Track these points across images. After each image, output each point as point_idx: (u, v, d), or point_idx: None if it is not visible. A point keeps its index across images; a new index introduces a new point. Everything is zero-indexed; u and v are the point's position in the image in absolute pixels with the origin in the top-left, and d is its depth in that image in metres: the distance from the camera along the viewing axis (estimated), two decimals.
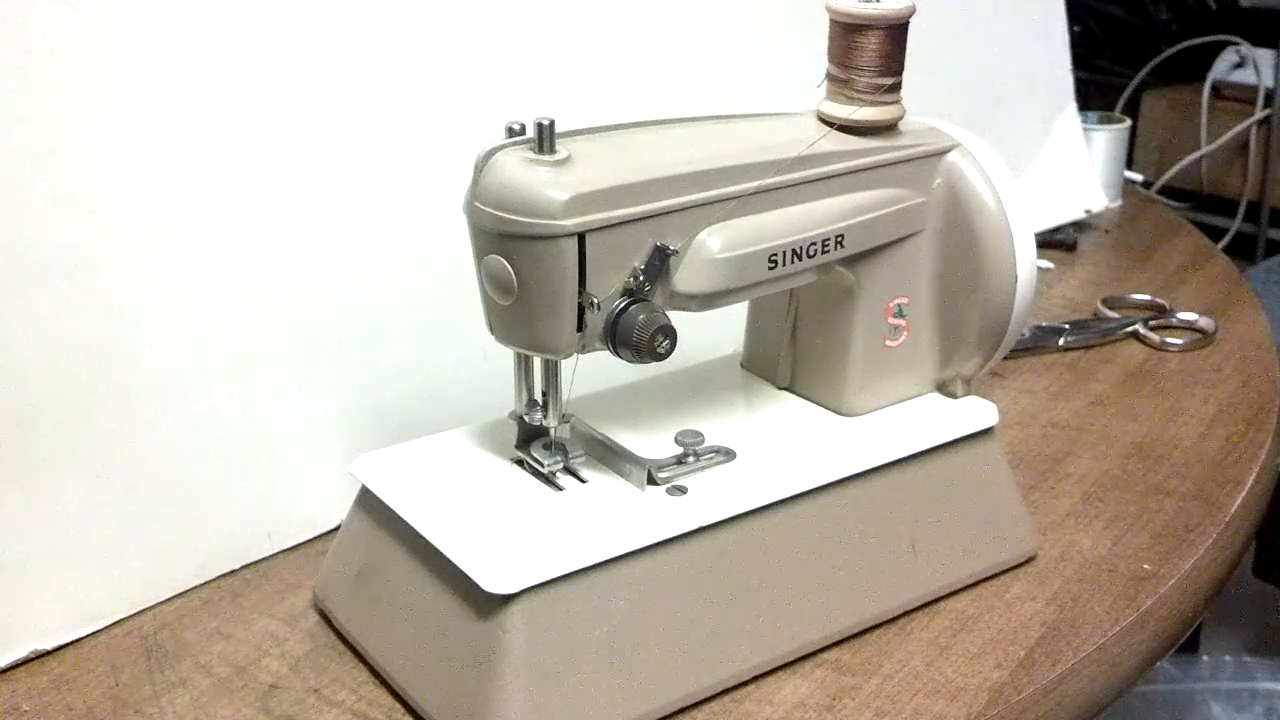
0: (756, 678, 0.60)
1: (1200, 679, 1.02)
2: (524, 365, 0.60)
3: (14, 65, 0.58)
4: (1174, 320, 1.01)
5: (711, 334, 0.72)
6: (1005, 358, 0.69)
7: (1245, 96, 1.86)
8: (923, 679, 0.60)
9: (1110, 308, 1.03)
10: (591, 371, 0.61)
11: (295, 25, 0.67)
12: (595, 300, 0.55)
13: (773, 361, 0.70)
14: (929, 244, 0.66)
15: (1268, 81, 1.84)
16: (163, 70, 0.63)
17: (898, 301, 0.66)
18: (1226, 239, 1.84)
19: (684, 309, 0.58)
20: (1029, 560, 0.70)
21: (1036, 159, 1.20)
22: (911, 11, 0.60)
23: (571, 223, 0.53)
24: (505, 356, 0.60)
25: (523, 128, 0.56)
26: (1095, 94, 1.52)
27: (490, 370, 0.73)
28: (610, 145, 0.57)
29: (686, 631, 0.58)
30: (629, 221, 0.55)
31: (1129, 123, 1.29)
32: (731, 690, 0.59)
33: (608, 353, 0.57)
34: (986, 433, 0.67)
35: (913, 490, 0.65)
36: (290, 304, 0.69)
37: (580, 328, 0.56)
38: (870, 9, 0.60)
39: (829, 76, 0.62)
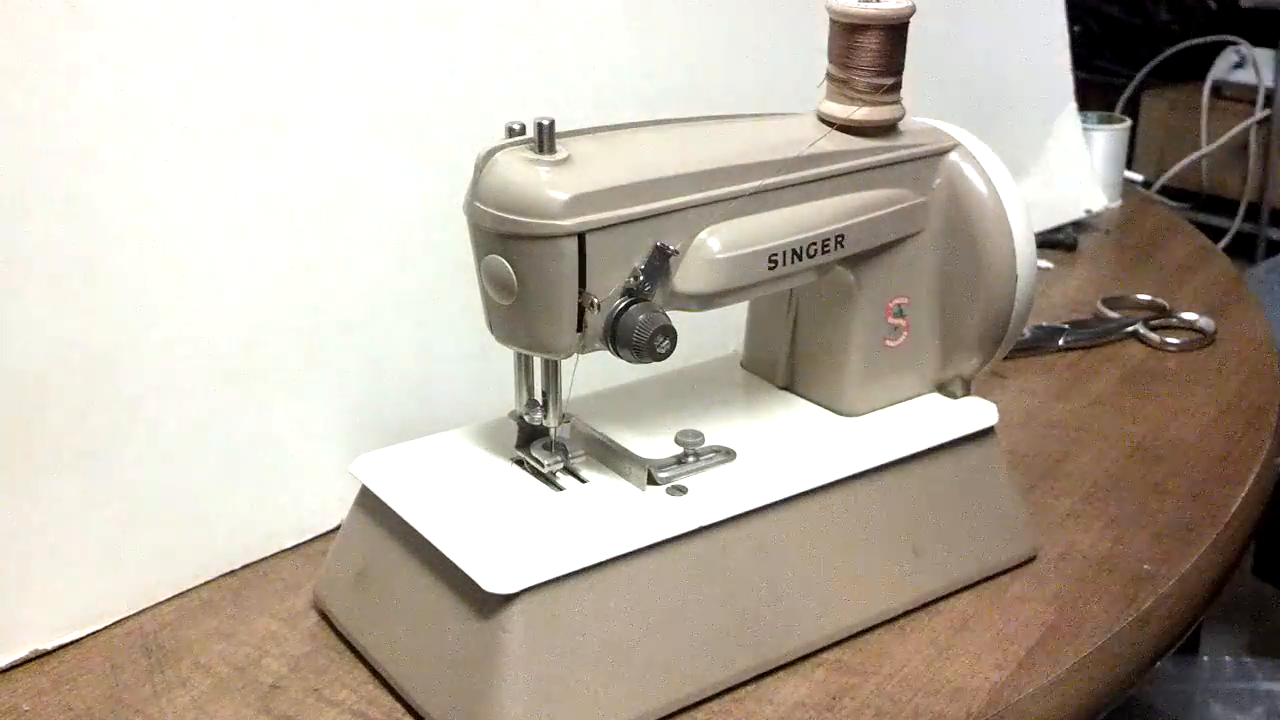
0: (757, 677, 0.60)
1: (1200, 680, 1.02)
2: (524, 365, 0.60)
3: (14, 66, 0.58)
4: (1174, 320, 1.01)
5: (711, 334, 0.72)
6: (1005, 358, 0.69)
7: (1245, 96, 1.87)
8: (923, 679, 0.60)
9: (1110, 308, 1.03)
10: (591, 371, 0.61)
11: (296, 26, 0.67)
12: (595, 300, 0.55)
13: (773, 361, 0.70)
14: (929, 244, 0.66)
15: (1268, 81, 1.84)
16: (164, 71, 0.63)
17: (898, 301, 0.66)
18: (1226, 239, 1.84)
19: (684, 309, 0.58)
20: (1029, 560, 0.70)
21: (1037, 159, 1.20)
22: (911, 11, 0.60)
23: (571, 223, 0.53)
24: (505, 356, 0.60)
25: (523, 128, 0.56)
26: (1095, 94, 1.52)
27: (490, 370, 0.73)
28: (610, 145, 0.57)
29: (686, 631, 0.58)
30: (629, 221, 0.55)
31: (1129, 123, 1.29)
32: (732, 690, 0.59)
33: (608, 353, 0.57)
34: (987, 433, 0.67)
35: (913, 490, 0.65)
36: (290, 304, 0.69)
37: (580, 328, 0.56)
38: (870, 9, 0.60)
39: (829, 76, 0.62)
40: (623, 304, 0.56)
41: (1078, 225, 1.21)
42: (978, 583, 0.67)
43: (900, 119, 0.63)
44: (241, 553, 0.69)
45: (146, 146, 0.63)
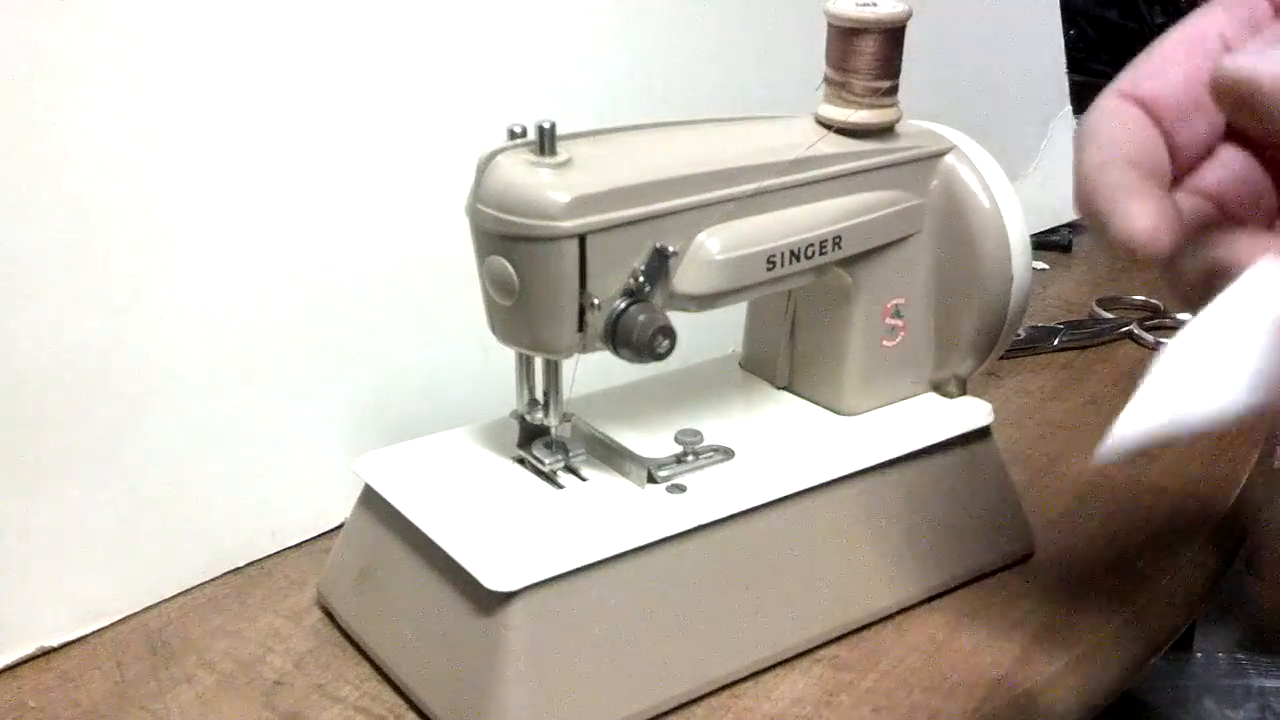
0: (755, 674, 0.61)
1: (1194, 676, 1.02)
2: (525, 365, 0.61)
3: (15, 65, 0.58)
4: (1168, 321, 1.01)
5: (711, 334, 0.73)
6: (1001, 358, 0.70)
7: None
8: (919, 675, 0.61)
9: (1105, 308, 1.03)
10: (592, 371, 0.61)
11: (297, 26, 0.67)
12: (596, 301, 0.55)
13: (771, 361, 0.70)
14: (926, 245, 0.66)
15: None
16: (165, 71, 0.63)
17: (895, 302, 0.66)
18: None
19: (684, 309, 0.59)
20: (1025, 558, 0.70)
21: (1032, 161, 1.20)
22: (908, 15, 0.61)
23: (572, 224, 0.53)
24: (507, 356, 0.61)
25: (524, 130, 0.56)
26: (1090, 97, 1.53)
27: (492, 370, 0.73)
28: (611, 148, 0.58)
29: (686, 628, 0.59)
30: (629, 223, 0.55)
31: None
32: (730, 686, 0.60)
33: (608, 353, 0.57)
34: (982, 432, 0.68)
35: (910, 488, 0.65)
36: (293, 304, 0.69)
37: (581, 328, 0.56)
38: (867, 13, 0.60)
39: (826, 80, 0.63)
40: (623, 304, 0.56)
41: (1073, 226, 1.22)
42: (974, 580, 0.68)
43: (897, 122, 0.64)
44: (245, 550, 0.70)
45: (147, 147, 0.63)
